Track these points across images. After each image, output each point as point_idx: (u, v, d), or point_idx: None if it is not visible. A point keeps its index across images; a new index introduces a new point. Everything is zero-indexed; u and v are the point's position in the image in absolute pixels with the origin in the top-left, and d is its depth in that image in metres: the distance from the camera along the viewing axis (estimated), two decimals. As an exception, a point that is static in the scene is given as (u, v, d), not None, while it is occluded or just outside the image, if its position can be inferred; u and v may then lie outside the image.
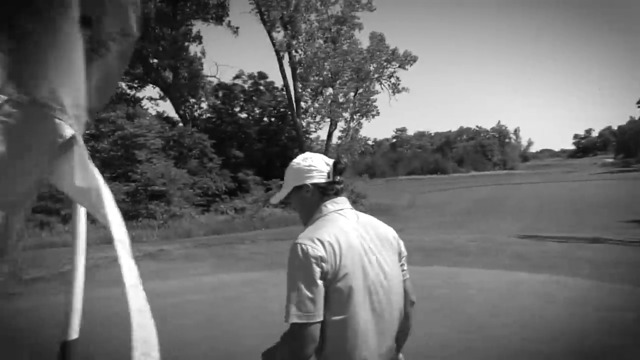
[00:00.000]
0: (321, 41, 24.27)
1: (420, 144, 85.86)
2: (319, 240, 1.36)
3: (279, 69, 23.82)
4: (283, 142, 26.02)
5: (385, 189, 34.16)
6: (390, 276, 1.47)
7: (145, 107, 26.35)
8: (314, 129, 26.77)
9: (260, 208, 18.24)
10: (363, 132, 38.84)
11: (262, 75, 27.62)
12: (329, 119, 24.56)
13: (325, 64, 23.78)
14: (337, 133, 26.04)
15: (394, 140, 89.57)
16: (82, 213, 1.11)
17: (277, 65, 23.73)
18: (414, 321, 1.60)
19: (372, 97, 25.25)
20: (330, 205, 1.49)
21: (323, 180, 1.51)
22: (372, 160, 59.93)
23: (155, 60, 25.66)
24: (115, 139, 19.86)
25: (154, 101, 28.47)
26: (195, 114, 27.64)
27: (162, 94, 27.12)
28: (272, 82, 27.46)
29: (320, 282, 1.32)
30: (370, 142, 48.81)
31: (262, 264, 8.46)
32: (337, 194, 1.52)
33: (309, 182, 1.51)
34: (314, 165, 1.53)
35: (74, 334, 1.11)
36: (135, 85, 26.88)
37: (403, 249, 1.57)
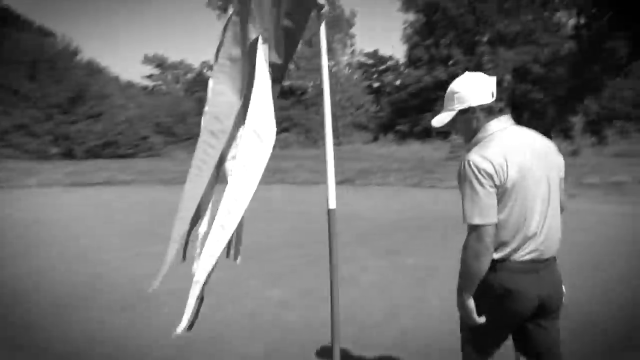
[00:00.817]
0: None
1: None
2: (487, 158, 1.49)
3: None
4: None
5: None
6: (552, 188, 1.57)
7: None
8: None
9: None
10: None
11: None
12: None
13: None
14: None
15: None
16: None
17: None
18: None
19: None
20: (495, 124, 1.57)
21: (488, 101, 1.57)
22: None
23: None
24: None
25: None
26: None
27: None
28: None
29: (492, 191, 1.48)
30: None
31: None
32: (501, 111, 1.59)
33: (474, 104, 1.57)
34: (477, 87, 1.58)
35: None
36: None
37: (562, 162, 1.65)
